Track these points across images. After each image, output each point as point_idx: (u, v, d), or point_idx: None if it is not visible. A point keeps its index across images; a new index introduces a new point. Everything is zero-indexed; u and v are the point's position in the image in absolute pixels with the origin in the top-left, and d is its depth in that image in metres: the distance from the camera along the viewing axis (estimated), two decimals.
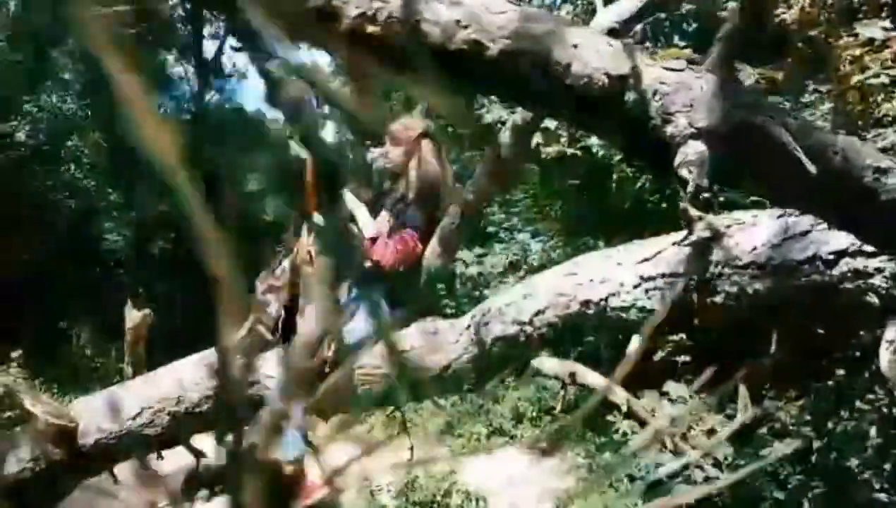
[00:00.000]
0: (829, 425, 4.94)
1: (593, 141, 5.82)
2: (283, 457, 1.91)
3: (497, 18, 0.92)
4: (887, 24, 3.73)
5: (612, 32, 2.18)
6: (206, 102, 14.49)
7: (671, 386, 5.28)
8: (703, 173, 0.81)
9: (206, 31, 14.40)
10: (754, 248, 1.52)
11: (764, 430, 5.20)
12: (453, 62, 0.92)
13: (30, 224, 9.53)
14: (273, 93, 0.44)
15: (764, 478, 4.80)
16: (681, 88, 0.88)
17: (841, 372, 4.96)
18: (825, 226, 1.41)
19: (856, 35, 3.68)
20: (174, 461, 2.22)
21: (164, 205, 10.34)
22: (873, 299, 1.32)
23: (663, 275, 1.67)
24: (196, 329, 3.34)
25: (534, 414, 7.20)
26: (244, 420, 0.43)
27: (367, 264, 2.26)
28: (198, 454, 2.28)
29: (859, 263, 1.35)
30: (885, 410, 4.61)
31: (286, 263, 2.28)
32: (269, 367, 2.10)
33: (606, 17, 2.23)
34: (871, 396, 4.69)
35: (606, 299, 1.77)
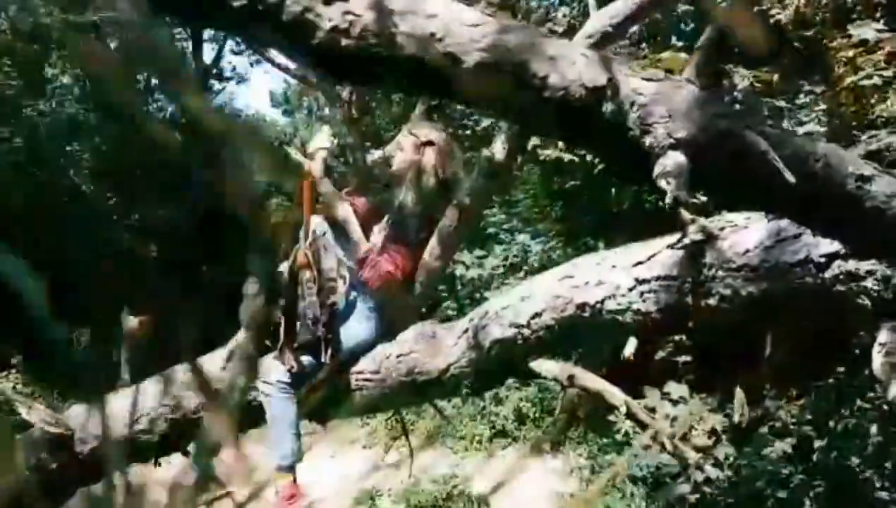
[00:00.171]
0: (830, 424, 4.93)
1: None
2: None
3: (472, 31, 0.90)
4: (880, 25, 3.73)
5: (606, 35, 2.18)
6: (205, 104, 14.45)
7: (671, 386, 5.28)
8: (682, 184, 0.80)
9: (206, 34, 14.43)
10: (747, 251, 1.53)
11: (765, 430, 5.19)
12: (430, 76, 0.91)
13: (28, 229, 9.54)
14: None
15: (765, 478, 4.80)
16: (659, 99, 0.88)
17: (841, 370, 4.96)
18: None
19: (849, 36, 3.67)
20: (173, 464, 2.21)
21: (163, 210, 10.33)
22: (865, 302, 1.32)
23: (658, 278, 1.67)
24: (195, 335, 3.34)
25: (536, 414, 7.18)
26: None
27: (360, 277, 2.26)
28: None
29: (851, 266, 1.34)
30: (885, 408, 4.60)
31: (284, 269, 2.27)
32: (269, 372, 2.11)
33: (600, 19, 2.22)
34: (871, 394, 4.68)
35: (602, 302, 1.77)
